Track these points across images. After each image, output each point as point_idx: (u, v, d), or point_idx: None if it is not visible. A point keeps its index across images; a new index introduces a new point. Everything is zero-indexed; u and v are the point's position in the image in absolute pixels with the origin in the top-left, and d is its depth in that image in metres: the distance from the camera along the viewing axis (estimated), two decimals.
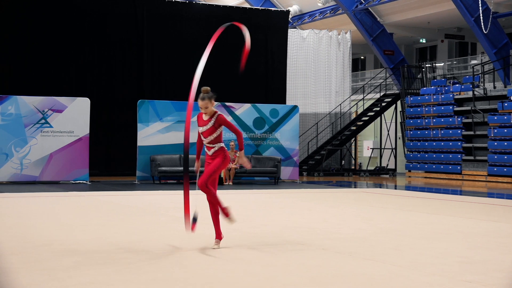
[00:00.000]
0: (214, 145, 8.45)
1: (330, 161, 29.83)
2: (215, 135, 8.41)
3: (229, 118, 22.48)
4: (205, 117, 8.38)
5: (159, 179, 21.27)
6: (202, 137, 8.45)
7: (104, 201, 14.78)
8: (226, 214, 8.67)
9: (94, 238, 8.93)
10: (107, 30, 24.46)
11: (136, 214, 12.11)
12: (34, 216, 11.46)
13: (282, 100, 26.65)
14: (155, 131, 21.68)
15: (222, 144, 8.54)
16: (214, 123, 8.37)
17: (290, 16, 31.18)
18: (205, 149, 8.53)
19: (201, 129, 8.39)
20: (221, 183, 21.01)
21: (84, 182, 20.55)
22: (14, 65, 23.07)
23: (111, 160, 24.41)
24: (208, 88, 8.43)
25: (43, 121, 20.23)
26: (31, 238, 8.87)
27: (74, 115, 20.47)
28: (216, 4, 30.40)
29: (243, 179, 22.52)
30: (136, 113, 21.65)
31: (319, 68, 30.30)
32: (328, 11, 33.96)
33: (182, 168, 21.17)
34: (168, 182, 21.54)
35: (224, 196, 16.54)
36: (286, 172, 22.99)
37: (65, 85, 23.63)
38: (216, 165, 8.42)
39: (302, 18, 35.69)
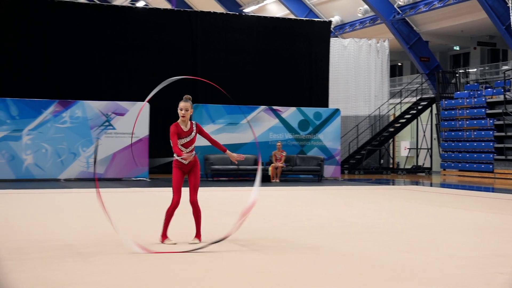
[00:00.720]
0: (192, 153, 7.91)
1: (369, 160, 29.65)
2: (195, 144, 7.98)
3: (276, 121, 22.56)
4: (185, 127, 7.88)
5: (212, 176, 21.41)
6: (183, 148, 7.84)
7: (162, 197, 14.92)
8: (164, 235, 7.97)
9: (154, 231, 9.04)
10: (164, 40, 24.68)
11: (188, 209, 12.18)
12: (99, 210, 11.64)
13: (325, 104, 26.58)
14: (208, 133, 21.76)
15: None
16: (196, 132, 7.96)
17: (332, 26, 31.11)
18: (179, 159, 7.86)
19: (184, 140, 7.85)
20: (268, 181, 21.05)
21: (144, 179, 20.77)
22: (81, 72, 23.42)
23: (169, 158, 24.61)
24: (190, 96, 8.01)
25: (107, 123, 20.51)
26: (98, 230, 9.02)
27: (135, 118, 20.69)
28: (264, 15, 30.46)
29: (289, 177, 22.51)
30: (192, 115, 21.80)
31: (359, 74, 30.14)
32: (368, 21, 33.74)
33: (233, 166, 21.29)
34: (220, 180, 21.64)
35: (272, 192, 16.62)
36: (329, 170, 22.94)
37: (126, 90, 23.91)
38: (199, 176, 8.03)
39: (343, 28, 35.52)
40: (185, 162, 7.81)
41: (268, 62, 26.12)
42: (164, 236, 7.94)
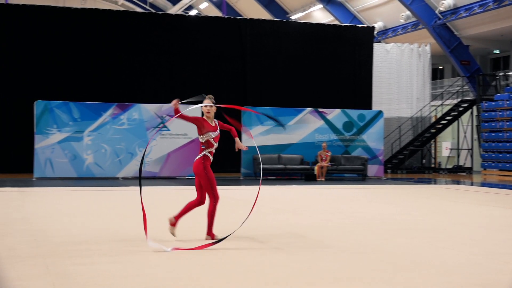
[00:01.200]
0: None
1: (412, 160, 29.30)
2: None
3: (321, 122, 22.46)
4: (211, 123, 7.90)
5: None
6: (213, 142, 7.86)
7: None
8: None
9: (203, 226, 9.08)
10: (215, 47, 24.80)
11: (240, 206, 12.23)
12: (155, 206, 11.75)
13: (369, 106, 26.39)
14: (257, 134, 21.83)
15: None
16: (220, 130, 7.99)
17: (375, 32, 30.85)
18: (210, 155, 7.82)
19: (213, 134, 7.87)
20: (314, 179, 20.97)
21: None
22: (138, 77, 23.70)
23: (220, 159, 24.67)
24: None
25: (162, 125, 20.69)
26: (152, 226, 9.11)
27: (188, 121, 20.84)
28: (310, 22, 30.36)
29: (334, 176, 22.39)
30: (240, 118, 21.86)
31: (402, 77, 29.80)
32: (410, 26, 33.35)
33: (280, 166, 21.28)
34: (268, 178, 21.65)
35: (317, 190, 16.55)
36: (373, 169, 22.74)
37: (180, 93, 24.08)
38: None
39: (386, 33, 35.18)
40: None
41: (314, 67, 26.04)
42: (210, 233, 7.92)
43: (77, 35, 23.12)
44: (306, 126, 22.33)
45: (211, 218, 7.92)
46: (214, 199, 7.85)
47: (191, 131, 20.84)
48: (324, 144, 21.72)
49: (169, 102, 22.08)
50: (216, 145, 7.88)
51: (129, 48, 23.75)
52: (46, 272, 5.96)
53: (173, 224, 7.93)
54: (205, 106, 7.92)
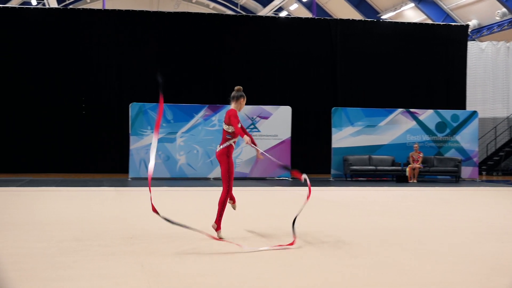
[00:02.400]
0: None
1: (508, 161, 28.32)
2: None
3: (413, 123, 22.05)
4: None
5: (351, 176, 21.25)
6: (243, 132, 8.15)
7: (304, 195, 14.97)
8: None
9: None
10: (305, 47, 24.79)
11: (332, 207, 12.18)
12: (246, 206, 11.86)
13: (462, 106, 25.70)
14: (347, 135, 21.67)
15: None
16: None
17: (469, 30, 30.03)
18: (233, 144, 8.28)
19: (239, 125, 8.23)
20: (406, 181, 20.61)
21: (286, 178, 20.94)
22: (229, 79, 23.99)
23: (309, 160, 24.69)
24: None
25: (252, 126, 20.86)
26: (247, 224, 9.19)
27: (278, 121, 20.90)
28: (401, 21, 29.87)
29: (426, 178, 21.93)
30: (330, 119, 21.75)
31: (497, 76, 28.87)
32: (506, 24, 32.25)
33: (371, 167, 21.06)
34: (358, 180, 21.45)
35: (409, 192, 16.25)
36: (466, 171, 22.13)
37: (270, 95, 24.24)
38: None
39: (480, 31, 34.16)
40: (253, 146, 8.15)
41: (406, 66, 25.61)
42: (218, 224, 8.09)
43: (168, 38, 23.66)
44: (397, 127, 21.98)
45: (221, 207, 8.01)
46: (227, 190, 8.03)
47: (282, 132, 20.90)
48: (416, 145, 21.33)
49: (259, 103, 22.20)
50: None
51: (219, 50, 24.09)
52: (141, 270, 6.12)
53: (218, 229, 8.07)
54: (244, 98, 8.37)
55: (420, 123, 22.09)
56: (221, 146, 8.16)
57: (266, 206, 12.26)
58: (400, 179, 20.76)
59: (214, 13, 24.70)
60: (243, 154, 20.76)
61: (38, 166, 22.47)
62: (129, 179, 19.72)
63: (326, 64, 25.05)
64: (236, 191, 15.49)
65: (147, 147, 20.00)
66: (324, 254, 7.00)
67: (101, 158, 22.92)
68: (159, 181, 19.25)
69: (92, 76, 23.15)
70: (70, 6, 23.07)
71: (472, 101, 27.90)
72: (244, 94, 8.48)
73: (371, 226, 9.35)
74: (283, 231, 8.62)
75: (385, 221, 10.06)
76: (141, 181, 19.09)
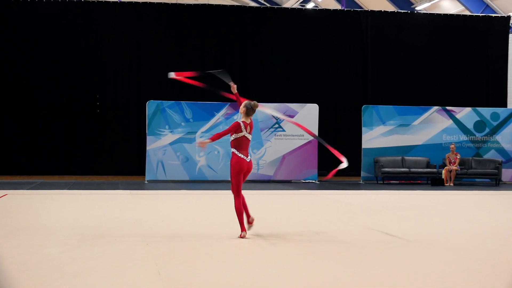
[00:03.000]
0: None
1: None
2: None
3: (449, 122, 21.90)
4: (248, 121, 9.04)
5: (383, 179, 21.16)
6: (249, 136, 8.97)
7: (332, 199, 14.97)
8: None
9: (323, 232, 9.08)
10: (333, 40, 24.74)
11: (361, 212, 12.14)
12: (268, 211, 11.86)
13: (503, 104, 25.44)
14: (378, 134, 21.59)
15: None
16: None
17: (511, 22, 29.72)
18: (243, 155, 8.92)
19: (250, 136, 9.00)
20: (442, 184, 20.47)
21: (313, 181, 20.91)
22: (252, 74, 24.02)
23: (338, 161, 24.59)
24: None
25: (276, 125, 20.86)
26: (266, 229, 9.20)
27: (304, 120, 20.84)
28: (437, 12, 29.67)
29: (464, 181, 21.78)
30: (361, 117, 21.68)
31: None
32: None
33: (404, 169, 20.95)
34: (390, 183, 21.35)
35: (445, 196, 16.13)
36: (508, 174, 21.92)
37: (295, 92, 24.22)
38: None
39: None
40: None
41: (442, 61, 25.44)
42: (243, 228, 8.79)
43: (188, 31, 23.72)
44: (432, 126, 21.85)
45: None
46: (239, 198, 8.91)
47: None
48: (452, 145, 21.17)
49: (284, 101, 22.17)
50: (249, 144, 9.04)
51: (242, 44, 24.13)
52: (158, 277, 6.15)
53: (250, 222, 8.93)
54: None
55: (457, 122, 21.94)
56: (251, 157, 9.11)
57: (291, 211, 12.25)
58: (435, 182, 20.64)
59: (237, 5, 24.76)
60: (267, 155, 20.75)
61: (50, 167, 22.65)
62: (146, 182, 19.83)
63: (356, 59, 24.97)
64: (259, 195, 15.55)
65: (165, 148, 20.10)
66: (358, 261, 6.98)
67: (116, 160, 23.05)
68: (177, 184, 19.33)
69: (106, 72, 23.29)
70: None
71: None
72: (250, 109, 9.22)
73: (404, 232, 9.30)
74: (311, 238, 8.61)
75: (418, 227, 10.00)
76: (158, 184, 19.18)
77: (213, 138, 8.89)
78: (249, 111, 9.04)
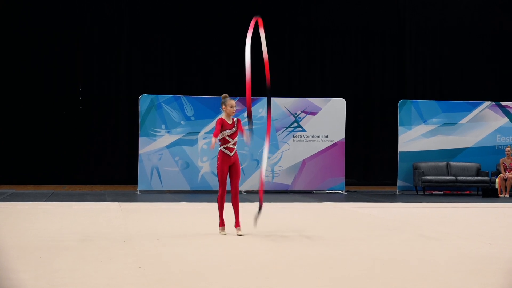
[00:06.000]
0: (235, 146, 10.96)
1: None
2: (238, 137, 11.00)
3: (504, 120, 21.81)
4: (229, 121, 10.92)
5: (423, 189, 21.10)
6: (230, 139, 10.87)
7: (362, 213, 14.93)
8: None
9: (352, 253, 9.07)
10: (364, 23, 24.72)
11: (396, 229, 12.10)
12: (284, 228, 11.85)
13: None
14: (419, 135, 21.53)
15: None
16: (237, 126, 10.95)
17: None
18: (227, 150, 10.89)
19: (229, 131, 10.85)
20: (495, 195, 20.39)
21: (339, 192, 20.86)
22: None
23: (369, 168, 24.61)
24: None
25: (295, 124, 20.83)
26: (287, 251, 9.20)
27: (329, 118, 20.83)
28: None
29: None
30: (397, 115, 21.63)
31: None
32: None
33: (449, 177, 20.88)
34: (433, 194, 21.28)
35: (500, 210, 16.06)
36: None
37: (318, 84, 24.20)
38: (240, 168, 11.24)
39: None
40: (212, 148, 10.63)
41: (495, 47, 25.37)
42: (221, 223, 11.15)
43: (189, 14, 23.75)
44: (484, 125, 21.77)
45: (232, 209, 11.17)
46: (221, 191, 11.02)
47: (334, 131, 20.79)
48: (508, 148, 21.10)
49: (305, 95, 22.22)
50: (233, 141, 10.93)
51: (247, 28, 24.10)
52: None
53: (236, 226, 11.05)
54: (231, 107, 10.95)
55: None
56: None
57: (312, 228, 12.23)
58: (487, 193, 20.56)
59: None
60: (284, 161, 20.71)
61: (22, 175, 22.69)
62: (138, 193, 19.85)
63: (392, 44, 24.95)
64: (274, 208, 15.52)
65: (161, 152, 20.10)
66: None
67: (103, 166, 23.13)
68: (175, 195, 19.34)
69: (90, 60, 23.34)
70: None
71: None
72: (226, 101, 11.04)
73: (449, 252, 9.27)
74: (336, 262, 8.60)
75: (467, 247, 9.97)
76: (152, 195, 19.20)
77: (215, 134, 10.72)
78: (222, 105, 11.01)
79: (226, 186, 10.90)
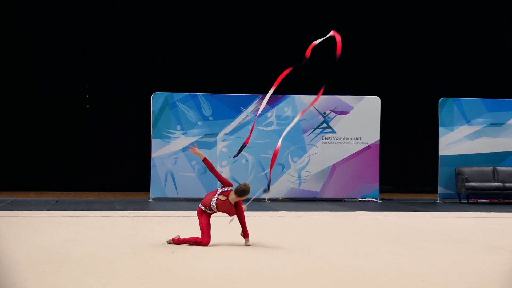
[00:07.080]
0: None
1: None
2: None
3: None
4: (222, 198, 11.13)
5: (467, 197, 20.99)
6: (215, 210, 11.24)
7: (398, 224, 14.87)
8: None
9: (383, 267, 9.03)
10: (396, 11, 24.60)
11: (436, 241, 12.04)
12: (316, 240, 11.82)
13: None
14: (462, 137, 21.42)
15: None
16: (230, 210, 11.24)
17: None
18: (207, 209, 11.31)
19: (213, 209, 11.22)
20: None
21: (374, 200, 20.80)
22: (288, 58, 24.01)
23: (407, 173, 24.52)
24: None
25: (324, 125, 20.78)
26: (317, 263, 9.17)
27: (362, 118, 20.76)
28: None
29: None
30: (437, 114, 21.52)
31: None
32: None
33: (496, 184, 20.75)
34: (478, 202, 21.17)
35: None
36: None
37: (349, 80, 24.12)
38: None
39: None
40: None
41: None
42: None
43: (206, 6, 23.78)
44: None
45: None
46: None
47: (367, 133, 20.72)
48: None
49: (335, 93, 22.12)
50: (216, 211, 11.28)
51: (274, 18, 24.06)
52: None
53: (172, 241, 11.28)
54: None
55: None
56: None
57: (343, 241, 12.20)
58: None
59: None
60: (312, 165, 20.66)
61: (24, 182, 22.76)
62: (151, 200, 19.88)
63: (429, 35, 24.82)
64: (301, 217, 15.49)
65: (176, 155, 20.12)
66: None
67: (112, 171, 23.17)
68: (191, 203, 19.33)
69: (99, 56, 23.39)
70: None
71: None
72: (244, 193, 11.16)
73: (496, 268, 9.21)
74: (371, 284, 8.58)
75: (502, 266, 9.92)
76: (167, 203, 19.22)
77: (206, 161, 11.18)
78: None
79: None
